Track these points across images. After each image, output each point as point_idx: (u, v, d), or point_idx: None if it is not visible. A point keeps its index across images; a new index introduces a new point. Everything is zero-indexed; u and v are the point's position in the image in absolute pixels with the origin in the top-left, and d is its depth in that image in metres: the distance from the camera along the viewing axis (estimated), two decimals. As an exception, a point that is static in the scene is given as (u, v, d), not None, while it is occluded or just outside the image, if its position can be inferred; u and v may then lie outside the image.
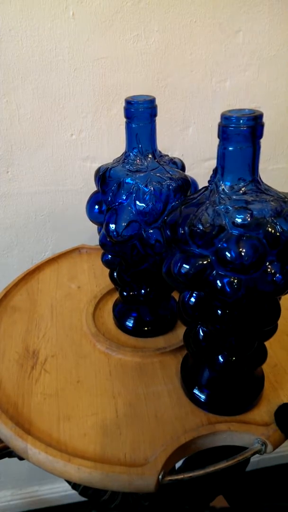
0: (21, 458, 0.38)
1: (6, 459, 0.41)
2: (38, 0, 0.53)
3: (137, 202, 0.38)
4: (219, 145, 0.29)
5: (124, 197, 0.38)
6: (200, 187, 0.38)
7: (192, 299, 0.32)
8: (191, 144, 0.65)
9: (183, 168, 0.42)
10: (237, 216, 0.29)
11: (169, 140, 0.65)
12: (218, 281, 0.29)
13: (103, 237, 0.41)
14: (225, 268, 0.29)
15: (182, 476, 0.33)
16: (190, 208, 0.31)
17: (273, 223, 0.28)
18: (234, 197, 0.29)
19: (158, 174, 0.38)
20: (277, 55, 0.62)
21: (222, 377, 0.38)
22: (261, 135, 0.28)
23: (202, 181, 0.39)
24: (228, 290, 0.29)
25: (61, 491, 0.95)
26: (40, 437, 0.36)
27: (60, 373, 0.43)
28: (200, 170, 0.66)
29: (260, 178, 0.30)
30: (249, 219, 0.28)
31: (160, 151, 0.41)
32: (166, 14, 0.57)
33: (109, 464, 0.34)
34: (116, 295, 0.52)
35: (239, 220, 0.29)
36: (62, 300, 0.54)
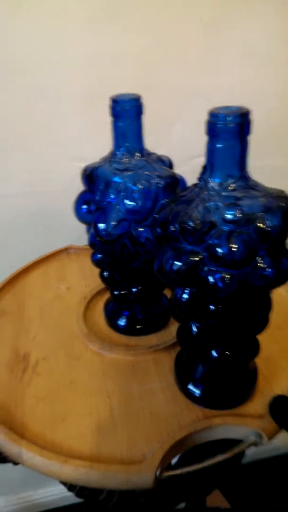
0: (15, 463, 0.38)
1: None
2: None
3: (126, 201, 0.38)
4: (207, 142, 0.30)
5: (113, 196, 0.38)
6: (188, 184, 0.39)
7: (185, 296, 0.32)
8: (177, 142, 0.65)
9: (171, 166, 0.42)
10: (227, 212, 0.29)
11: (155, 138, 0.64)
12: (210, 277, 0.30)
13: (92, 237, 0.41)
14: (216, 264, 0.29)
15: (180, 471, 0.33)
16: (180, 205, 0.31)
17: (262, 218, 0.29)
18: (224, 193, 0.30)
19: (146, 172, 0.38)
20: (262, 53, 0.62)
21: (216, 372, 0.38)
22: (248, 132, 0.29)
23: (190, 179, 0.39)
24: (220, 285, 0.29)
25: (56, 494, 0.95)
26: (34, 440, 0.36)
27: (53, 375, 0.42)
28: (187, 168, 0.66)
29: (248, 174, 0.31)
30: (239, 215, 0.29)
31: (147, 149, 0.41)
32: (151, 12, 0.56)
33: (106, 463, 0.34)
34: (106, 295, 0.52)
35: (229, 216, 0.29)
36: (51, 302, 0.54)
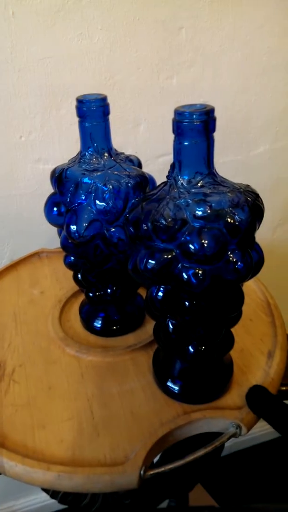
0: (-4, 474, 0.37)
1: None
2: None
3: (97, 202, 0.38)
4: (174, 141, 0.30)
5: (83, 197, 0.38)
6: (157, 183, 0.39)
7: (160, 294, 0.33)
8: (143, 141, 0.65)
9: (139, 165, 0.42)
10: (197, 209, 0.29)
11: (121, 138, 0.65)
12: (184, 274, 0.30)
13: (64, 239, 0.41)
14: (189, 260, 0.30)
15: (163, 469, 0.33)
16: (151, 204, 0.31)
17: (231, 213, 0.29)
18: (193, 190, 0.30)
19: (115, 172, 0.38)
20: (219, 51, 0.63)
21: (193, 367, 0.39)
22: (213, 129, 0.29)
23: (158, 177, 0.40)
24: (194, 281, 0.30)
25: (38, 502, 0.93)
26: (15, 449, 0.35)
27: (30, 382, 0.42)
28: (155, 167, 0.67)
29: (215, 170, 0.31)
30: (209, 211, 0.29)
31: (115, 149, 0.41)
32: (109, 12, 0.56)
33: (89, 467, 0.33)
34: (81, 297, 0.52)
35: (199, 213, 0.29)
36: (25, 307, 0.53)
